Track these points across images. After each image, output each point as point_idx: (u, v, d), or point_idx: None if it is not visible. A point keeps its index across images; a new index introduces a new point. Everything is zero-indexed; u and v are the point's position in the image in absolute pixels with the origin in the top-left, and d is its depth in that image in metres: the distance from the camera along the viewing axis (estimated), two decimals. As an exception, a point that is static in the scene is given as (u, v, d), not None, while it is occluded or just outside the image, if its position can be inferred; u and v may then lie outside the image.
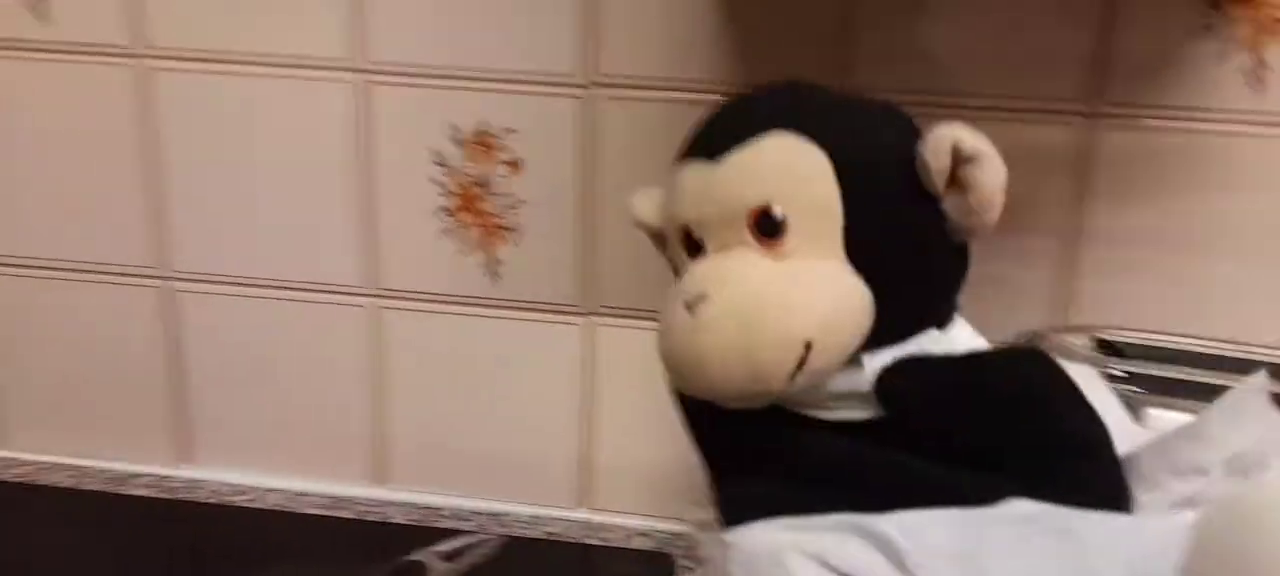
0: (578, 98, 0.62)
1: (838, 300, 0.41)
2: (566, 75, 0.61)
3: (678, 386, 0.45)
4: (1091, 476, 0.41)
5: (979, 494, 0.40)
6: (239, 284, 0.69)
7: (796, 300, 0.41)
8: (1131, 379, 0.52)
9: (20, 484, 0.73)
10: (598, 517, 0.71)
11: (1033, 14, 0.57)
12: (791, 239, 0.41)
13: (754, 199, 0.41)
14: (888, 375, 0.42)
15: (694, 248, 0.44)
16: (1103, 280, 0.61)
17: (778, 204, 0.41)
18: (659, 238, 0.48)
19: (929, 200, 0.41)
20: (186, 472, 0.74)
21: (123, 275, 0.70)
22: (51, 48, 0.65)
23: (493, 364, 0.68)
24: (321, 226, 0.67)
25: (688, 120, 0.46)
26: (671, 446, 0.67)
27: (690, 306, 0.41)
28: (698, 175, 0.43)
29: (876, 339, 0.42)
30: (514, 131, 0.63)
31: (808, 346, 0.40)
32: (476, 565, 0.63)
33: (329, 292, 0.68)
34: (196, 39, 0.64)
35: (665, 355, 0.43)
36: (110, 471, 0.74)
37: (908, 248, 0.42)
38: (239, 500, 0.72)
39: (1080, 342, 0.57)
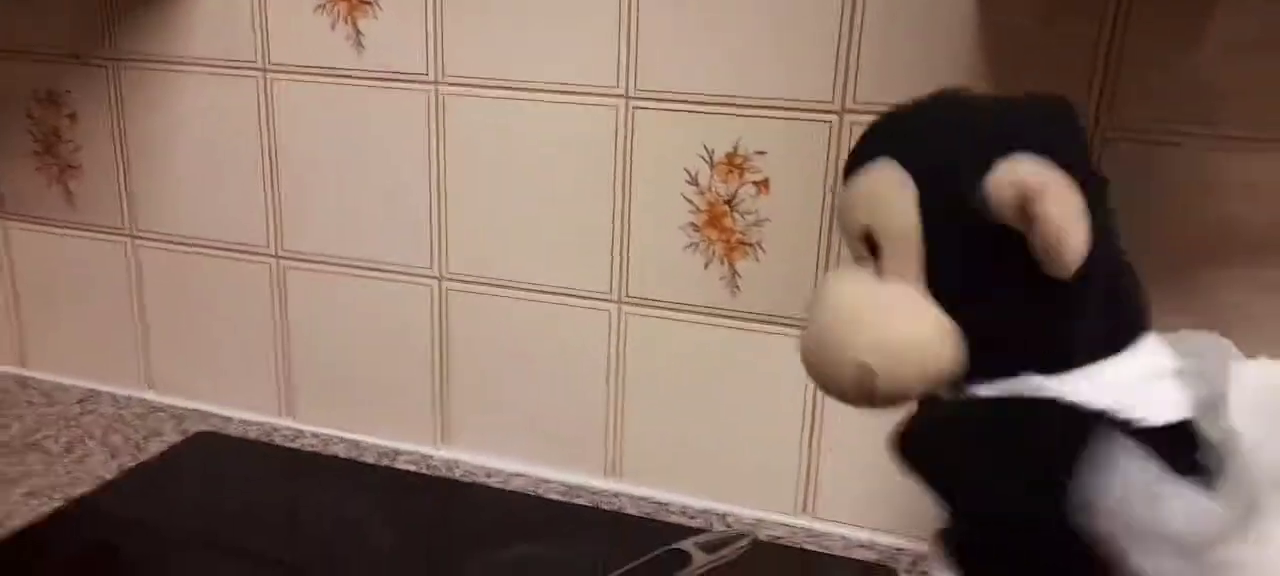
0: (828, 123, 0.66)
1: (902, 325, 0.42)
2: (821, 102, 0.65)
3: None
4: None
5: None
6: (502, 286, 0.77)
7: (856, 321, 0.43)
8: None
9: (306, 452, 0.84)
10: (819, 525, 0.73)
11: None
12: (885, 262, 0.44)
13: (856, 222, 0.45)
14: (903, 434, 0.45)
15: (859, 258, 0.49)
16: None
17: (872, 229, 0.44)
18: None
19: (1018, 233, 0.40)
20: (445, 453, 0.82)
21: (405, 274, 0.79)
22: (363, 75, 0.76)
23: (727, 372, 0.73)
24: (579, 237, 0.74)
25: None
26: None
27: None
28: (839, 195, 0.48)
29: (981, 371, 0.43)
30: (764, 153, 0.67)
31: (865, 367, 0.42)
32: (734, 560, 0.67)
33: (581, 297, 0.75)
34: (484, 68, 0.72)
35: None
36: (382, 447, 0.84)
37: (989, 280, 0.42)
38: (489, 481, 0.79)
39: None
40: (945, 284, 0.42)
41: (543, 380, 0.78)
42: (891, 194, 0.43)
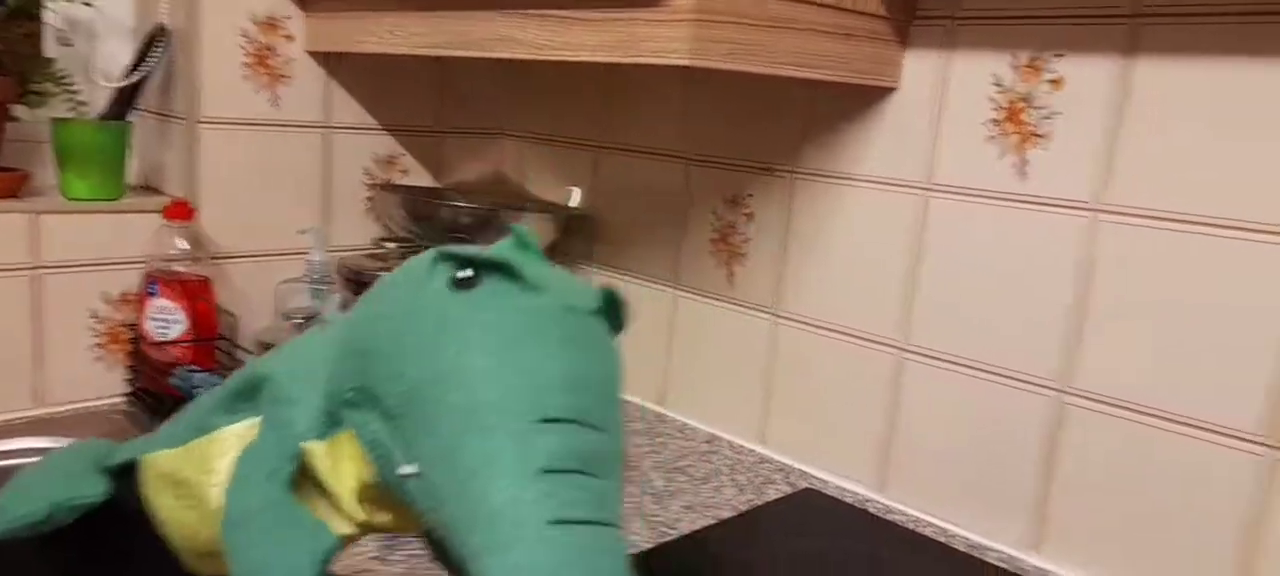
0: None
1: None
2: None
3: None
4: None
5: None
6: (1127, 408, 0.76)
7: None
8: None
9: (898, 525, 0.89)
10: None
11: None
12: None
13: None
14: None
15: None
16: None
17: None
18: None
19: None
20: (1037, 560, 0.82)
21: (1023, 381, 0.83)
22: (1023, 199, 0.82)
23: None
24: (1227, 373, 0.71)
25: None
26: None
27: None
28: None
29: None
30: None
31: None
32: None
33: (1223, 436, 0.71)
34: (1149, 200, 0.74)
35: None
36: (972, 540, 0.86)
37: None
38: (1089, 600, 0.77)
39: None
40: None
41: (1164, 516, 0.75)
42: None
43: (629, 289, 1.15)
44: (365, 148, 1.18)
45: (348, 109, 1.16)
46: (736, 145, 1.03)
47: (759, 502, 0.91)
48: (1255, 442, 0.70)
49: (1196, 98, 0.71)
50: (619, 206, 1.17)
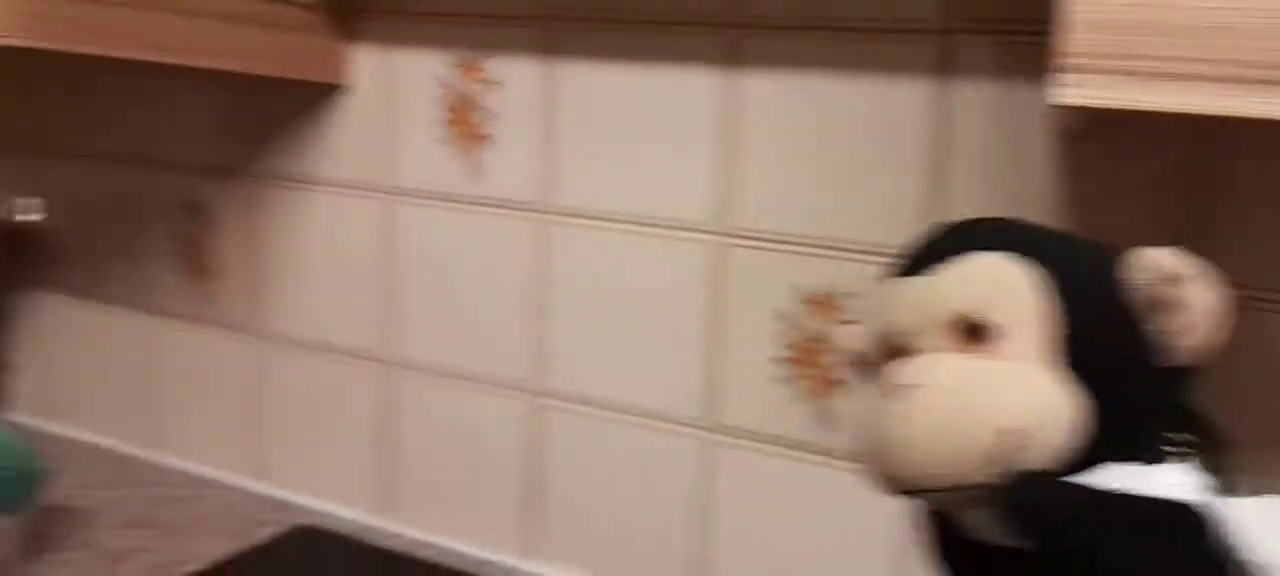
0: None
1: (1049, 397, 0.41)
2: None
3: (876, 478, 0.44)
4: None
5: None
6: (596, 406, 0.76)
7: (1007, 388, 0.41)
8: None
9: (396, 553, 0.82)
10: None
11: None
12: (1001, 344, 0.42)
13: (965, 306, 0.43)
14: (1023, 482, 0.41)
15: (895, 357, 0.45)
16: None
17: (990, 311, 0.42)
18: (865, 365, 0.48)
19: (1137, 322, 0.42)
20: (530, 566, 0.81)
21: (505, 388, 0.79)
22: (480, 202, 0.78)
23: (816, 509, 0.69)
24: (671, 365, 0.73)
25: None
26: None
27: (901, 392, 0.42)
28: (910, 288, 0.45)
29: (1085, 459, 0.42)
30: (854, 295, 0.66)
31: (1017, 435, 0.40)
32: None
33: (670, 424, 0.74)
34: (589, 201, 0.74)
35: (868, 443, 0.43)
36: (469, 554, 0.82)
37: (1115, 365, 0.42)
38: (569, 598, 0.77)
39: None
40: (1077, 365, 0.42)
41: (629, 505, 0.76)
42: (1016, 279, 0.43)
43: (92, 317, 0.96)
44: None
45: None
46: (190, 146, 0.89)
47: (237, 549, 0.80)
48: (695, 427, 0.73)
49: (614, 100, 0.71)
50: (78, 220, 0.97)
